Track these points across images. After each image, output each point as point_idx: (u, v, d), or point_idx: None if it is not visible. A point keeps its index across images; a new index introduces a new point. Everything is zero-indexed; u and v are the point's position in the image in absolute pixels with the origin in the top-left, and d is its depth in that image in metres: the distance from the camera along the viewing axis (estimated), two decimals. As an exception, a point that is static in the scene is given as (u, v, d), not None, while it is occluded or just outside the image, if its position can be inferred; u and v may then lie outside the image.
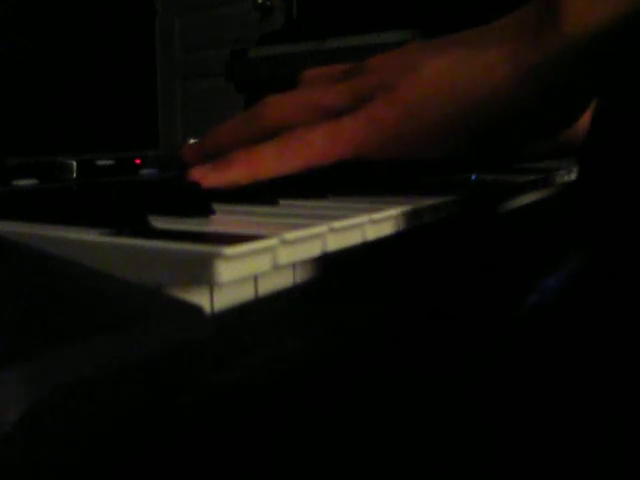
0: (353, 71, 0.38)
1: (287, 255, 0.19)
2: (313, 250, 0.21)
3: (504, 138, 0.35)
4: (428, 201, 0.29)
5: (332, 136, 0.34)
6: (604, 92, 0.32)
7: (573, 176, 0.53)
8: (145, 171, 0.46)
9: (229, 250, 0.17)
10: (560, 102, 0.33)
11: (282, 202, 0.30)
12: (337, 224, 0.22)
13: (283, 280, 0.21)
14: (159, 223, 0.22)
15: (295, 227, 0.20)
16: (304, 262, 0.21)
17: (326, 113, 0.35)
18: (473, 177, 0.40)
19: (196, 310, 0.15)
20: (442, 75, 0.33)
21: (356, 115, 0.34)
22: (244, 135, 0.37)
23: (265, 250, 0.18)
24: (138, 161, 0.48)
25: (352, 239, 0.23)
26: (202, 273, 0.17)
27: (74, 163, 0.41)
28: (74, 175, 0.41)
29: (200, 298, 0.18)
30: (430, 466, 0.17)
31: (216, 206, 0.26)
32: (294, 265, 0.21)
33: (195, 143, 0.40)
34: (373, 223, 0.24)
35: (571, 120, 0.35)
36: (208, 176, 0.32)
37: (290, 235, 0.19)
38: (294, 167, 0.33)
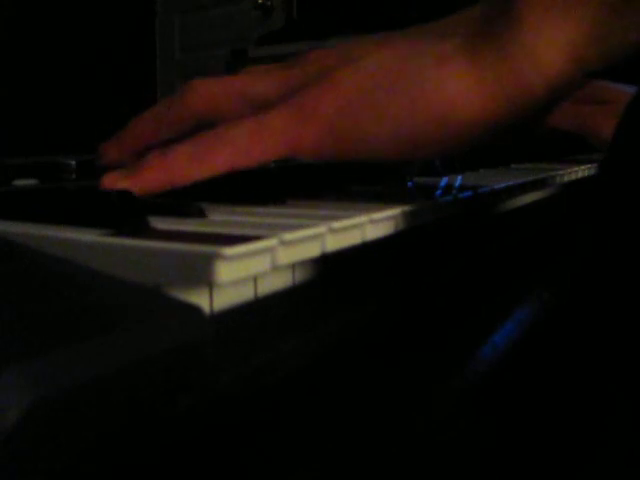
0: (293, 61, 0.34)
1: (286, 255, 0.19)
2: (312, 250, 0.21)
3: (454, 140, 0.29)
4: (427, 201, 0.29)
5: (258, 132, 0.29)
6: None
7: (573, 176, 0.53)
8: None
9: (228, 250, 0.17)
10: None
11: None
12: (336, 224, 0.22)
13: (282, 280, 0.21)
14: (158, 223, 0.22)
15: (294, 227, 0.20)
16: (303, 262, 0.21)
17: (256, 103, 0.32)
18: (410, 184, 0.39)
19: (195, 310, 0.15)
20: (384, 67, 0.29)
21: (285, 105, 0.30)
22: (165, 125, 0.34)
23: (264, 250, 0.18)
24: (138, 161, 0.48)
25: (351, 239, 0.23)
26: (201, 273, 0.17)
27: (74, 163, 0.41)
28: (74, 175, 0.41)
29: (199, 298, 0.18)
30: (430, 465, 0.17)
31: (215, 206, 0.26)
32: (293, 265, 0.21)
33: (114, 139, 0.36)
34: (372, 223, 0.24)
35: (532, 128, 0.32)
36: (120, 184, 0.29)
37: (289, 235, 0.19)
38: (214, 170, 0.29)
